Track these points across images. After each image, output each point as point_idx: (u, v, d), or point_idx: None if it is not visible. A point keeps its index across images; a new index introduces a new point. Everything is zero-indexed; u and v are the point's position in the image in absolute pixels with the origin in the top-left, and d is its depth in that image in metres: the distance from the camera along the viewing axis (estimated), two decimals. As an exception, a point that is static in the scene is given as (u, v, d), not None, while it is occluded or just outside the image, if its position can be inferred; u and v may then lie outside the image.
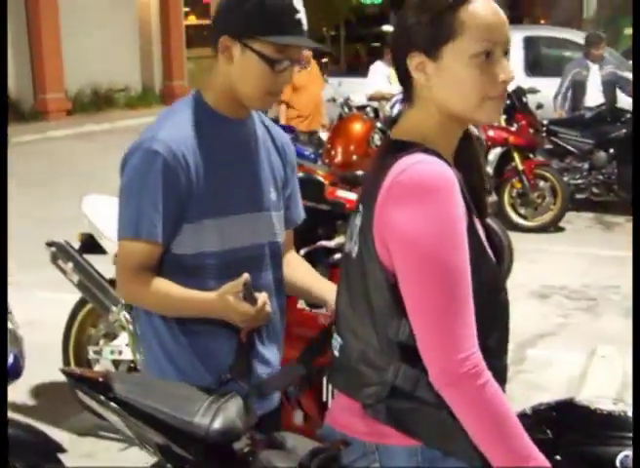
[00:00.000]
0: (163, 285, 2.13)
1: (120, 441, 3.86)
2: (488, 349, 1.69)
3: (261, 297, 2.08)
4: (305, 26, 2.14)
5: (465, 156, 1.84)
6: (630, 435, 1.80)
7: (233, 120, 2.21)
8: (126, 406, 1.90)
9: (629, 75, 10.51)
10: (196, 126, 2.15)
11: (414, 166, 1.67)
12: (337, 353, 1.86)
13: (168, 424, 1.85)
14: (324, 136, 8.18)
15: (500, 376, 1.74)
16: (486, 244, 1.80)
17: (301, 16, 2.13)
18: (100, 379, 1.97)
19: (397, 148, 1.73)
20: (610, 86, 9.82)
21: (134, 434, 1.96)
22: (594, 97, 9.85)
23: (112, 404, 1.92)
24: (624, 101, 9.95)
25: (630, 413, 1.89)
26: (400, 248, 1.66)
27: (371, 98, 8.91)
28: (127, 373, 2.18)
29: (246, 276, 2.04)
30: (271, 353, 2.30)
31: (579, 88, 9.86)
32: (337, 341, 1.86)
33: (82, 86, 19.26)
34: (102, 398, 1.92)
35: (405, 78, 1.78)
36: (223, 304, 2.06)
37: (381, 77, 9.05)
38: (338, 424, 1.83)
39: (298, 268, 2.44)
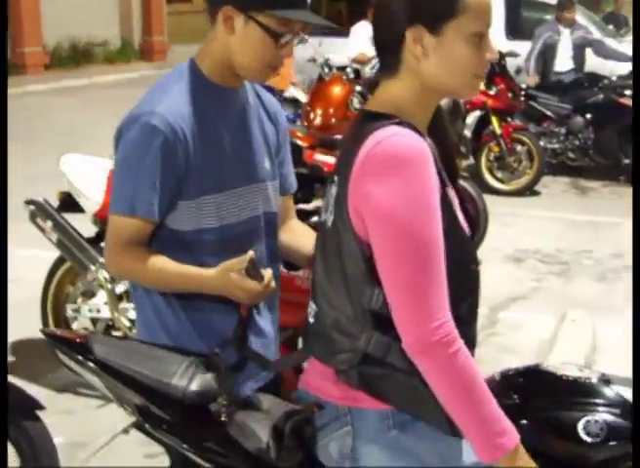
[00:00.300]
0: (157, 260, 2.10)
1: (98, 397, 3.91)
2: (459, 317, 1.74)
3: (267, 274, 2.07)
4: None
5: (436, 125, 1.89)
6: (593, 401, 1.87)
7: (227, 89, 2.18)
8: (105, 367, 1.93)
9: (601, 36, 10.53)
10: (193, 98, 2.11)
11: (389, 138, 1.71)
12: (311, 319, 1.91)
13: (146, 385, 1.89)
14: (300, 95, 8.13)
15: (470, 342, 1.79)
16: (459, 213, 1.84)
17: None
18: (80, 341, 2.01)
19: (372, 120, 1.77)
20: (580, 50, 9.82)
21: (113, 395, 2.00)
22: (564, 61, 9.87)
23: (92, 364, 1.96)
24: (593, 65, 9.98)
25: (595, 380, 1.96)
26: (375, 219, 1.70)
27: (354, 61, 8.86)
28: (107, 336, 2.21)
29: (251, 253, 2.03)
30: (267, 323, 2.28)
31: (549, 52, 9.86)
32: (311, 308, 1.91)
33: (60, 40, 19.03)
34: (82, 359, 1.95)
35: (394, 47, 1.79)
36: (225, 281, 2.04)
37: (365, 38, 8.96)
38: (311, 388, 1.89)
39: (301, 235, 2.40)
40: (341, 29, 8.62)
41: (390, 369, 1.77)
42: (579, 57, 9.88)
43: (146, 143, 2.04)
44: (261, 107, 2.30)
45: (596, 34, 10.93)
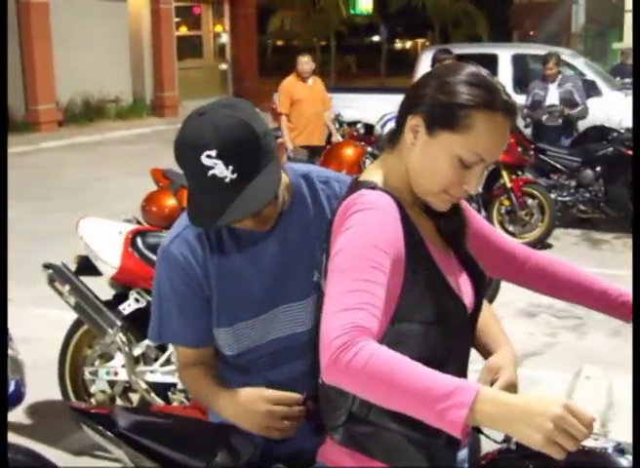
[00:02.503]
0: (199, 381, 2.14)
1: (116, 461, 3.93)
2: None
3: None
4: (222, 175, 1.89)
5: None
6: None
7: (253, 232, 2.06)
8: (129, 441, 1.98)
9: (609, 89, 10.57)
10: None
11: (356, 196, 1.80)
12: (320, 381, 1.95)
13: (170, 459, 1.94)
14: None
15: None
16: (450, 275, 1.87)
17: (215, 170, 1.88)
18: (105, 414, 2.05)
19: (354, 189, 1.85)
20: (567, 103, 9.87)
21: (136, 466, 2.04)
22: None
23: (116, 438, 2.00)
24: (601, 119, 10.13)
25: (610, 450, 1.98)
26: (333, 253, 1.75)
27: None
28: (130, 408, 2.25)
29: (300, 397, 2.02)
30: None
31: (538, 107, 9.99)
32: None
33: (73, 96, 19.35)
34: (107, 433, 2.00)
35: (399, 125, 1.88)
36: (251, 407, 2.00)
37: None
38: (330, 461, 1.92)
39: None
40: (328, 68, 8.68)
41: (374, 426, 1.81)
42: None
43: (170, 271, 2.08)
44: (311, 214, 2.12)
45: (603, 88, 11.07)
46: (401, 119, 1.87)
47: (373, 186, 1.82)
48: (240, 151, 1.86)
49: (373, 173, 1.91)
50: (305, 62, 9.44)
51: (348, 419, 1.83)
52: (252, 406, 1.98)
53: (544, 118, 9.82)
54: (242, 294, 2.07)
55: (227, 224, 1.95)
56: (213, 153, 1.85)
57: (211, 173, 1.86)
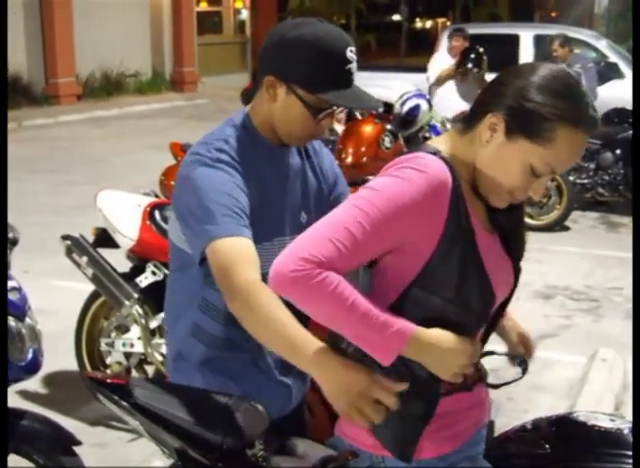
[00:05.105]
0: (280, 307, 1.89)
1: (131, 431, 3.96)
2: None
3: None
4: (355, 73, 2.10)
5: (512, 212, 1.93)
6: (625, 452, 1.89)
7: (274, 148, 2.19)
8: (145, 411, 1.98)
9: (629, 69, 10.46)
10: (246, 151, 2.13)
11: (416, 155, 1.81)
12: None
13: (184, 430, 1.94)
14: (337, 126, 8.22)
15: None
16: (484, 254, 1.83)
17: (353, 65, 2.08)
18: (121, 384, 2.06)
19: (417, 149, 1.87)
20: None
21: (152, 437, 2.05)
22: None
23: (132, 408, 2.01)
24: (622, 101, 9.95)
25: (626, 431, 1.98)
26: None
27: (437, 83, 8.97)
28: (146, 379, 2.25)
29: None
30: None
31: None
32: None
33: (93, 70, 19.32)
34: (123, 403, 2.00)
35: (476, 115, 1.83)
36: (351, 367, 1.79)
37: (441, 66, 9.09)
38: (347, 436, 1.93)
39: None
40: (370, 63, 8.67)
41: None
42: None
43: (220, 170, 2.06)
44: (308, 165, 2.30)
45: (625, 70, 10.97)
46: (479, 111, 1.83)
47: (434, 152, 1.81)
48: None
49: (439, 143, 1.89)
50: None
51: None
52: (356, 385, 1.77)
53: None
54: (252, 213, 2.07)
55: (365, 107, 2.32)
56: (354, 49, 2.10)
57: (348, 66, 2.07)
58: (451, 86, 8.78)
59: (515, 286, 1.97)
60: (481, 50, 8.67)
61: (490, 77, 2.04)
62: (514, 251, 1.96)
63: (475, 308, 1.82)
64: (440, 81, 8.96)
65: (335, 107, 2.12)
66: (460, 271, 1.78)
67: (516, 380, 1.97)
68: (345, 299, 1.67)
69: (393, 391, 1.73)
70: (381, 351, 1.71)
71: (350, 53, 2.08)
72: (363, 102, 2.14)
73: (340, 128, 7.28)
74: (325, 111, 2.09)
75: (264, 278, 1.89)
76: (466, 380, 1.84)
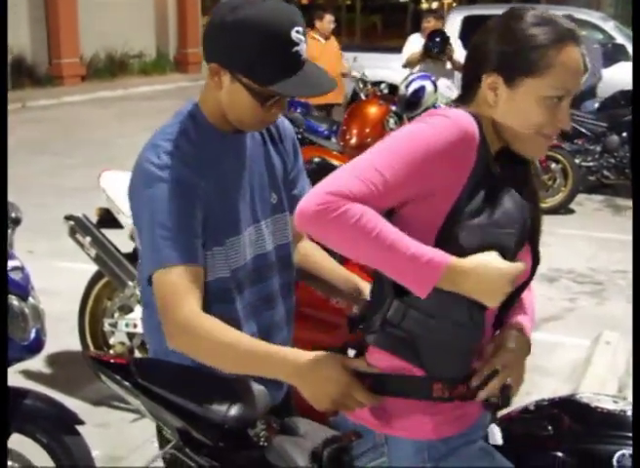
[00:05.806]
0: (227, 330, 1.93)
1: (133, 411, 3.97)
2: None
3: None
4: (304, 55, 1.96)
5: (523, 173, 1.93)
6: (628, 434, 1.88)
7: (228, 135, 2.09)
8: (147, 391, 1.98)
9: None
10: (199, 147, 2.04)
11: (440, 109, 1.83)
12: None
13: (186, 410, 1.94)
14: (339, 112, 8.20)
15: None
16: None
17: (300, 46, 1.94)
18: (123, 364, 2.05)
19: None
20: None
21: (154, 417, 2.05)
22: None
23: (134, 388, 2.01)
24: (629, 83, 9.92)
25: (629, 412, 1.97)
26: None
27: (407, 65, 8.85)
28: (148, 360, 2.25)
29: None
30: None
31: None
32: None
33: (97, 51, 19.30)
34: (125, 383, 2.00)
35: (470, 86, 1.85)
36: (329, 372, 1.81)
37: (416, 48, 8.98)
38: (350, 415, 1.92)
39: (312, 255, 2.35)
40: (353, 27, 8.62)
41: (407, 333, 1.80)
42: None
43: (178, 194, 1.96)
44: (269, 140, 2.21)
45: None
46: (472, 78, 1.84)
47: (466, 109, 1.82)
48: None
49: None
50: (330, 21, 9.57)
51: (382, 324, 1.82)
52: (329, 373, 1.81)
53: None
54: (219, 211, 2.03)
55: (316, 95, 2.02)
56: (300, 29, 1.93)
57: (295, 49, 1.92)
58: (422, 69, 8.40)
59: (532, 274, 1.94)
60: (448, 34, 8.53)
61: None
62: (533, 238, 1.94)
63: (510, 229, 1.79)
64: (411, 64, 8.76)
65: (282, 97, 2.01)
66: (490, 202, 1.78)
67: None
68: (370, 231, 1.64)
69: (369, 397, 1.81)
70: (415, 283, 1.69)
71: (297, 33, 1.92)
72: (314, 88, 1.98)
73: (340, 110, 7.25)
74: (273, 99, 1.98)
75: (236, 273, 2.02)
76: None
